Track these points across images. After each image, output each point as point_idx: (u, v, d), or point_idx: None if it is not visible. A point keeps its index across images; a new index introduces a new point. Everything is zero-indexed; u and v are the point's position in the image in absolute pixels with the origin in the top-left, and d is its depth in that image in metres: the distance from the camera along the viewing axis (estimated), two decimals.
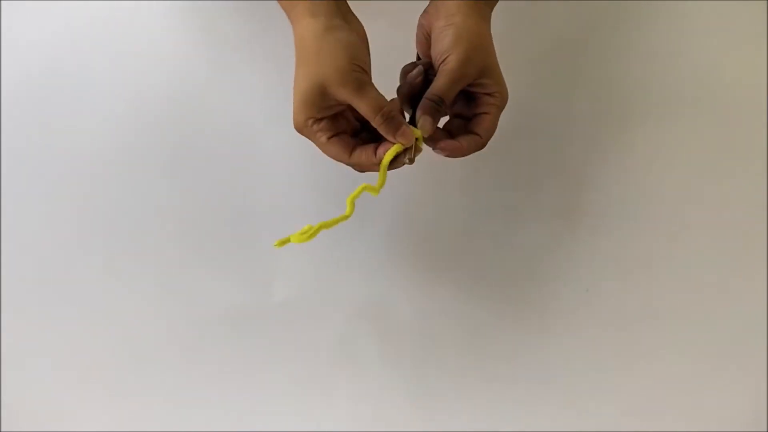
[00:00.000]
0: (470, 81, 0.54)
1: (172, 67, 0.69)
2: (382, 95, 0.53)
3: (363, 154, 0.54)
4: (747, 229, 0.68)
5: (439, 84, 0.53)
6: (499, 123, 0.55)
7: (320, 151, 0.55)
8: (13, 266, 0.66)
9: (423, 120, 0.53)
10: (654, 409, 0.65)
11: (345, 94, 0.51)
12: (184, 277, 0.66)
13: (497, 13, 0.58)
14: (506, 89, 0.55)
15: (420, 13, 0.58)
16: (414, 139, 0.52)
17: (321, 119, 0.53)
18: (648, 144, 0.69)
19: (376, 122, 0.52)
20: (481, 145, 0.55)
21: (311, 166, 0.55)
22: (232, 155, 0.68)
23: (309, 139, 0.55)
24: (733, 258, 0.67)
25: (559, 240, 0.67)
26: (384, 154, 0.53)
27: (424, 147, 0.55)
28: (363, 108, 0.52)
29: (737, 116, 0.69)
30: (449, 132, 0.57)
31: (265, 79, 0.69)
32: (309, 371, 0.65)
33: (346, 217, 0.54)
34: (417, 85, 0.54)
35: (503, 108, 0.55)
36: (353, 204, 0.53)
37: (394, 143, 0.52)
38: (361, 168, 0.56)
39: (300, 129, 0.54)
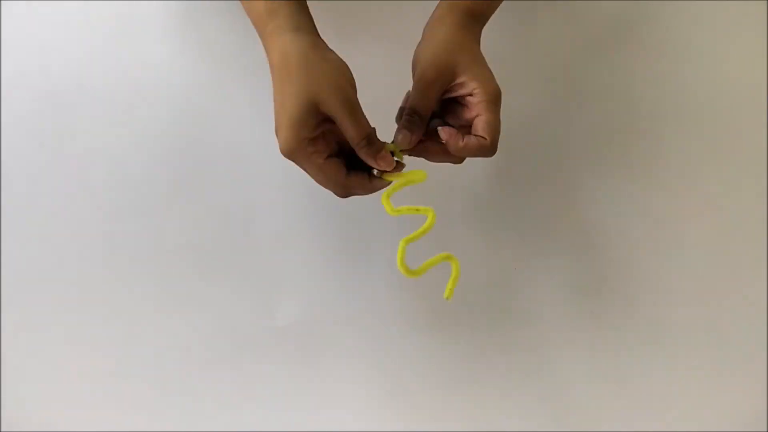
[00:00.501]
0: (445, 85, 0.51)
1: (172, 73, 0.69)
2: (368, 120, 0.50)
3: (357, 178, 0.52)
4: (748, 230, 0.68)
5: (411, 96, 0.52)
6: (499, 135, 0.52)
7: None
8: (14, 268, 0.66)
9: (401, 135, 0.51)
10: (654, 410, 0.65)
11: (337, 109, 0.48)
12: (187, 297, 0.66)
13: (496, 20, 0.57)
14: (491, 82, 0.51)
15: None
16: (393, 163, 0.51)
17: (315, 139, 0.49)
18: (648, 146, 0.69)
19: (360, 145, 0.49)
20: (487, 148, 0.51)
21: (315, 185, 0.54)
22: (235, 171, 0.67)
23: (301, 164, 0.51)
24: (734, 260, 0.67)
25: (563, 249, 0.67)
26: (378, 186, 0.52)
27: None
28: (351, 129, 0.49)
29: (737, 117, 0.69)
30: None
31: (269, 90, 0.68)
32: (312, 389, 0.65)
33: (431, 223, 0.53)
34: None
35: (496, 102, 0.51)
36: (392, 206, 0.52)
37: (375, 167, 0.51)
38: (347, 193, 0.53)
39: (293, 152, 0.49)
